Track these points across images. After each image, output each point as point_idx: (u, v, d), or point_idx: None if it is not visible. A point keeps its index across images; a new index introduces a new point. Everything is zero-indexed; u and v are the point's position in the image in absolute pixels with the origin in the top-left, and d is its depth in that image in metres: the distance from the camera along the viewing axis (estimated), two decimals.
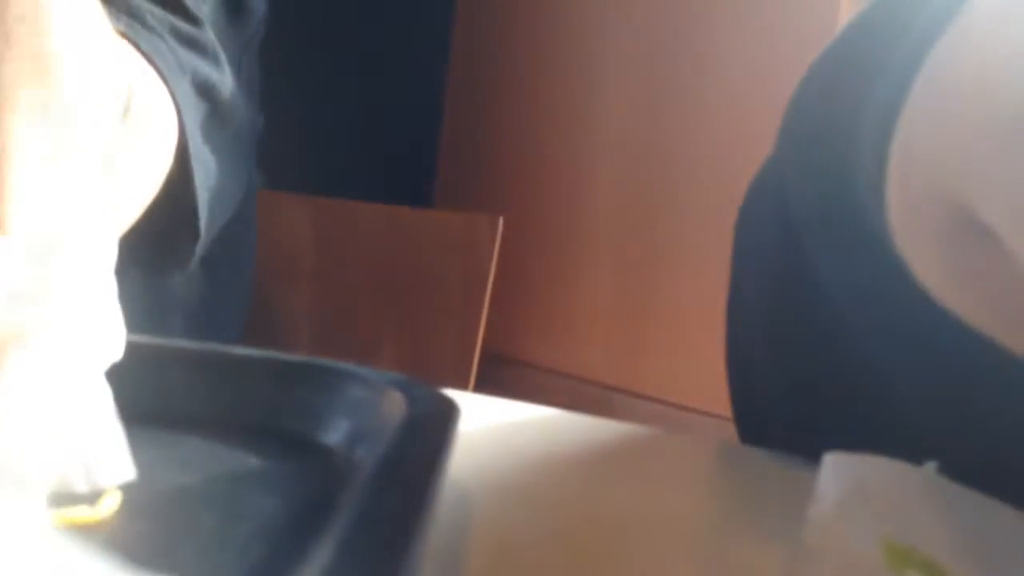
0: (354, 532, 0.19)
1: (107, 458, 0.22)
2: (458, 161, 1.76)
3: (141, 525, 0.23)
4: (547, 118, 1.60)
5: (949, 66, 0.26)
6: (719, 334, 0.45)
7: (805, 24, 1.24)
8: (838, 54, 0.36)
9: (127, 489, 0.24)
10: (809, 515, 0.23)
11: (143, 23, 0.51)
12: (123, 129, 0.45)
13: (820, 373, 0.39)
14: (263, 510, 0.26)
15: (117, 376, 0.25)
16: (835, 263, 0.35)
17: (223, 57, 0.55)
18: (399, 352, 1.06)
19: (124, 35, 0.50)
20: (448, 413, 0.28)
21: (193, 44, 0.53)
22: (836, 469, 0.24)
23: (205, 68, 0.54)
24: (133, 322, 0.26)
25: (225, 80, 0.55)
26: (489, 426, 0.40)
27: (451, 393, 0.30)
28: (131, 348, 0.25)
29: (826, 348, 0.38)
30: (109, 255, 0.23)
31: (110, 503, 0.23)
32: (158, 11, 0.52)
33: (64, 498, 0.21)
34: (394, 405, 0.29)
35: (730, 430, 0.46)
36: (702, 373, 1.22)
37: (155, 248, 0.55)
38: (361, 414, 0.30)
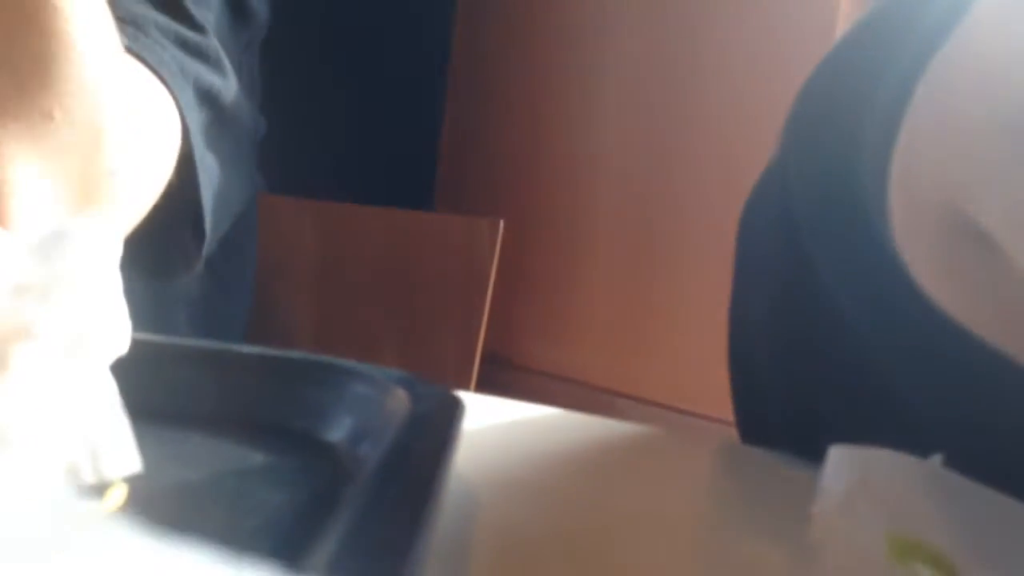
0: (360, 524, 0.19)
1: (113, 450, 0.22)
2: (459, 164, 1.76)
3: (146, 519, 0.23)
4: (548, 122, 1.60)
5: (951, 73, 0.26)
6: (721, 338, 0.45)
7: (804, 29, 1.25)
8: (841, 59, 0.36)
9: (132, 483, 0.24)
10: (814, 508, 0.23)
11: (146, 33, 0.52)
12: (126, 131, 0.45)
13: (822, 375, 0.39)
14: (268, 505, 0.26)
15: (123, 373, 0.25)
16: (837, 265, 0.35)
17: (227, 64, 0.56)
18: (400, 355, 1.06)
19: (128, 48, 0.50)
20: (453, 409, 0.28)
21: (196, 52, 0.54)
22: (841, 462, 0.24)
23: (208, 75, 0.54)
24: (136, 318, 0.26)
25: (228, 86, 0.56)
26: (492, 425, 0.40)
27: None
28: (138, 345, 0.25)
29: (828, 351, 0.38)
30: (114, 250, 0.23)
31: (116, 496, 0.23)
32: (163, 19, 0.53)
33: (70, 490, 0.21)
34: (399, 402, 0.29)
35: (732, 434, 0.46)
36: (703, 377, 1.22)
37: (160, 253, 0.55)
38: (366, 411, 0.30)
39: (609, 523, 0.32)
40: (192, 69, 0.53)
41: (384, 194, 1.33)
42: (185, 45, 0.53)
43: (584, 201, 1.54)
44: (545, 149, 1.60)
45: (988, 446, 0.32)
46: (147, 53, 0.51)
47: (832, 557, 0.22)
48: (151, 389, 0.28)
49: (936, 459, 0.24)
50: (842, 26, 1.19)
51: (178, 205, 0.52)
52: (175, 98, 0.51)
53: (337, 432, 0.30)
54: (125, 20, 0.51)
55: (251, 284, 0.81)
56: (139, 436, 0.24)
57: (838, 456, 0.24)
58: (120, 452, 0.22)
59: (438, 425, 0.26)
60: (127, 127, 0.45)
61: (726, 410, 0.47)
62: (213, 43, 0.55)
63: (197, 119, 0.53)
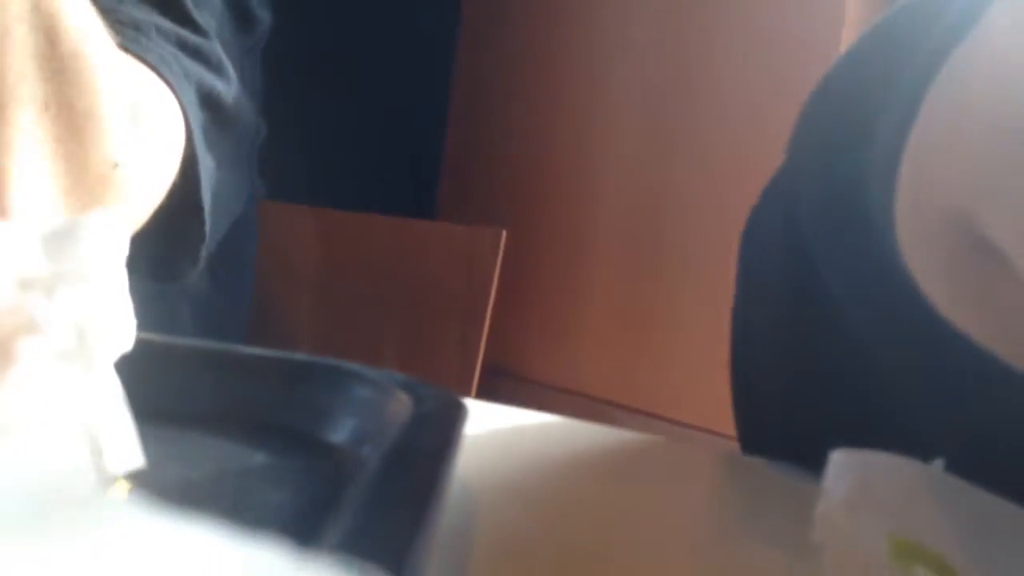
0: (361, 523, 0.19)
1: (116, 446, 0.22)
2: (462, 173, 1.76)
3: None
4: (551, 132, 1.61)
5: (960, 84, 0.26)
6: (723, 351, 0.45)
7: (809, 41, 1.25)
8: (850, 68, 0.36)
9: (134, 481, 0.24)
10: (816, 512, 0.23)
11: (147, 35, 0.52)
12: (128, 123, 0.45)
13: (824, 385, 0.39)
14: (269, 505, 0.26)
15: (127, 371, 0.25)
16: (841, 274, 0.35)
17: (229, 67, 0.56)
18: (401, 363, 1.06)
19: (128, 47, 0.50)
20: (455, 411, 0.28)
21: (198, 55, 0.54)
22: (843, 466, 0.24)
23: (209, 78, 0.54)
24: (141, 316, 0.26)
25: (229, 90, 0.56)
26: (493, 431, 0.40)
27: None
28: (142, 344, 0.26)
29: (831, 360, 0.38)
30: (121, 246, 0.23)
31: (117, 494, 0.23)
32: (166, 24, 0.53)
33: (72, 486, 0.21)
34: (401, 404, 0.29)
35: (732, 448, 0.46)
36: (704, 390, 1.22)
37: (160, 253, 0.55)
38: (368, 413, 0.30)
39: (609, 530, 0.32)
40: (194, 71, 0.54)
41: (387, 202, 1.33)
42: (186, 48, 0.54)
43: (586, 212, 1.54)
44: (548, 160, 1.61)
45: (992, 457, 0.32)
46: (149, 54, 0.51)
47: (833, 559, 0.22)
48: (154, 388, 0.28)
49: (938, 463, 0.24)
50: (848, 30, 1.19)
51: (179, 205, 0.53)
52: (178, 98, 0.52)
53: (339, 433, 0.30)
54: (125, 23, 0.52)
55: (250, 286, 0.81)
56: (141, 435, 0.24)
57: (840, 460, 0.24)
58: (123, 448, 0.22)
59: (440, 426, 0.26)
60: (129, 119, 0.45)
61: (727, 424, 0.47)
62: (215, 47, 0.55)
63: (199, 121, 0.54)
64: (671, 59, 1.44)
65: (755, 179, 0.44)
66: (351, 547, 0.18)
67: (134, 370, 0.25)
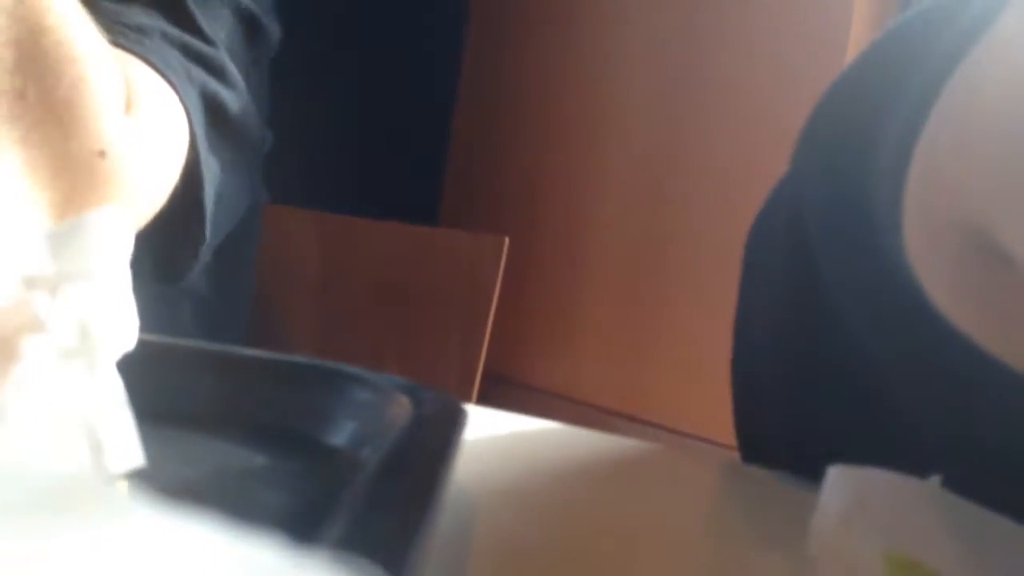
0: (357, 522, 0.19)
1: (116, 445, 0.22)
2: (465, 180, 1.77)
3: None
4: (554, 141, 1.61)
5: (973, 88, 0.26)
6: (724, 360, 0.45)
7: (815, 50, 1.25)
8: (858, 75, 0.36)
9: (133, 480, 0.24)
10: (812, 527, 0.23)
11: (151, 39, 0.52)
12: (113, 112, 0.45)
13: (826, 393, 0.39)
14: (267, 506, 0.26)
15: (128, 372, 0.25)
16: (847, 282, 0.35)
17: (236, 77, 0.57)
18: (401, 369, 1.06)
19: (133, 50, 0.51)
20: (455, 415, 0.28)
21: (203, 61, 0.54)
22: (840, 481, 0.24)
23: (213, 84, 0.55)
24: (143, 316, 0.26)
25: (235, 98, 0.56)
26: (493, 436, 0.40)
27: None
28: (143, 345, 0.26)
29: (834, 368, 0.38)
30: (125, 245, 0.23)
31: (118, 491, 0.23)
32: (172, 30, 0.54)
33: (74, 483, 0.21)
34: (401, 407, 0.29)
35: (733, 458, 0.46)
36: (705, 400, 1.22)
37: (159, 254, 0.55)
38: (368, 416, 0.30)
39: (608, 537, 0.32)
40: (198, 75, 0.54)
41: (389, 207, 1.34)
42: (191, 54, 0.54)
43: (589, 221, 1.54)
44: (551, 168, 1.61)
45: (994, 461, 0.32)
46: (152, 55, 0.51)
47: (828, 574, 0.22)
48: (156, 388, 0.28)
49: (935, 479, 0.24)
50: (854, 38, 1.19)
51: (181, 205, 0.53)
52: (181, 98, 0.52)
53: (339, 436, 0.30)
54: (130, 27, 0.52)
55: (250, 288, 0.82)
56: (142, 434, 0.24)
57: (836, 475, 0.24)
58: (123, 447, 0.22)
59: (439, 430, 0.27)
60: (117, 110, 0.45)
61: (727, 434, 0.47)
62: (221, 56, 0.56)
63: (202, 122, 0.54)
64: (677, 68, 1.44)
65: (758, 188, 0.44)
66: (347, 547, 0.18)
67: (136, 370, 0.25)
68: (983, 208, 0.24)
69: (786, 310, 0.40)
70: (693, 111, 1.41)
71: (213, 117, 0.55)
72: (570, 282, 1.55)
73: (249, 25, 0.60)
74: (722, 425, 0.47)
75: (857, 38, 1.21)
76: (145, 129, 0.47)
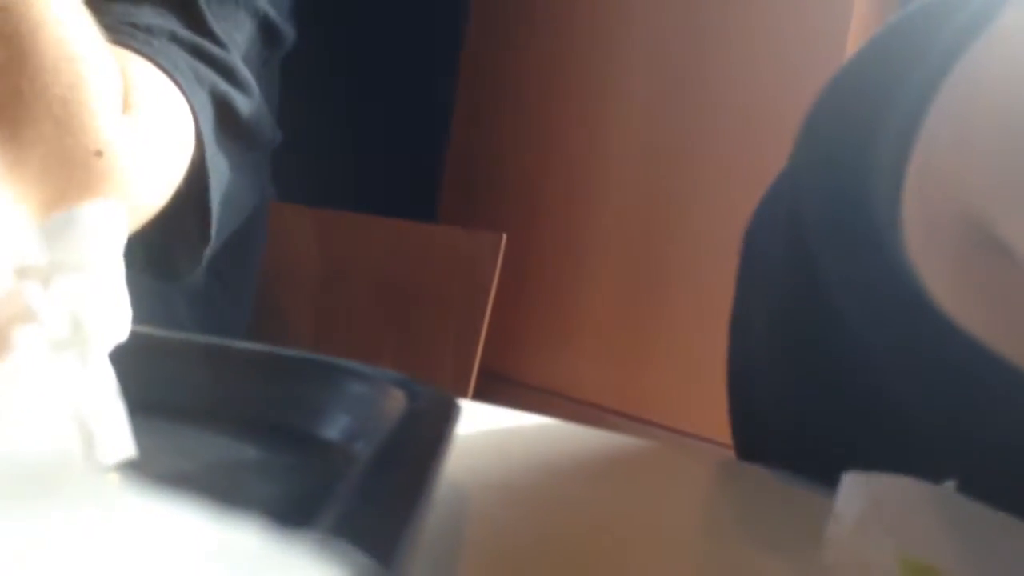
0: (346, 512, 0.19)
1: (108, 436, 0.22)
2: (463, 177, 1.77)
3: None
4: (553, 137, 1.61)
5: (973, 84, 0.26)
6: (721, 358, 0.45)
7: (815, 51, 1.25)
8: (858, 69, 0.36)
9: (125, 472, 0.24)
10: (827, 532, 0.23)
11: (159, 39, 0.52)
12: (126, 124, 0.45)
13: (823, 388, 0.39)
14: (259, 499, 0.26)
15: (121, 364, 0.25)
16: (846, 276, 0.35)
17: (249, 79, 0.57)
18: (398, 366, 1.06)
19: (141, 51, 0.51)
20: (448, 409, 0.28)
21: (213, 62, 0.54)
22: (855, 487, 0.24)
23: (223, 85, 0.55)
24: (138, 309, 0.26)
25: (248, 102, 0.56)
26: (488, 431, 0.40)
27: None
28: (137, 337, 0.26)
29: (831, 363, 0.38)
30: (119, 237, 0.23)
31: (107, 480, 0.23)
32: (182, 31, 0.54)
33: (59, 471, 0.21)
34: (395, 402, 0.29)
35: (728, 456, 0.46)
36: (702, 398, 1.22)
37: (164, 251, 0.55)
38: (362, 410, 0.30)
39: (601, 533, 0.32)
40: (207, 76, 0.54)
41: (387, 204, 1.34)
42: (202, 55, 0.54)
43: (587, 218, 1.54)
44: (549, 165, 1.61)
45: (1001, 464, 0.32)
46: (160, 56, 0.51)
47: None
48: (148, 381, 0.28)
49: (950, 485, 0.24)
50: (854, 35, 1.19)
51: (185, 204, 0.53)
52: (187, 99, 0.52)
53: (333, 430, 0.30)
54: (140, 28, 0.52)
55: (253, 288, 0.82)
56: (134, 426, 0.24)
57: (852, 481, 0.24)
58: (115, 439, 0.22)
59: (432, 423, 0.27)
60: (112, 108, 0.45)
61: (724, 432, 0.47)
62: (233, 59, 0.56)
63: (210, 122, 0.54)
64: (677, 68, 1.44)
65: (758, 187, 0.44)
66: (334, 536, 0.18)
67: (129, 362, 0.25)
68: (982, 202, 0.24)
69: (785, 303, 0.40)
70: (692, 111, 1.41)
71: (222, 118, 0.55)
72: (568, 280, 1.55)
73: (267, 30, 0.60)
74: (721, 425, 0.47)
75: (856, 38, 1.21)
76: (144, 129, 0.47)
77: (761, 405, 0.43)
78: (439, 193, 1.79)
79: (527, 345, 1.59)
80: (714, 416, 0.56)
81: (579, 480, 0.37)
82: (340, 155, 1.70)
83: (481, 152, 1.74)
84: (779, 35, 1.31)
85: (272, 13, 0.60)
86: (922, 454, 0.35)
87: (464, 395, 1.01)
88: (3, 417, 0.20)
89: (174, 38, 0.53)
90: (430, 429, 0.26)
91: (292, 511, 0.25)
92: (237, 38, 0.57)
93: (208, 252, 0.56)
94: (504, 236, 1.04)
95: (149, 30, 0.52)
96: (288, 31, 0.63)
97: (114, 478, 0.23)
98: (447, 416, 0.27)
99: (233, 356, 0.33)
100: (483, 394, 1.02)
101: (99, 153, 0.43)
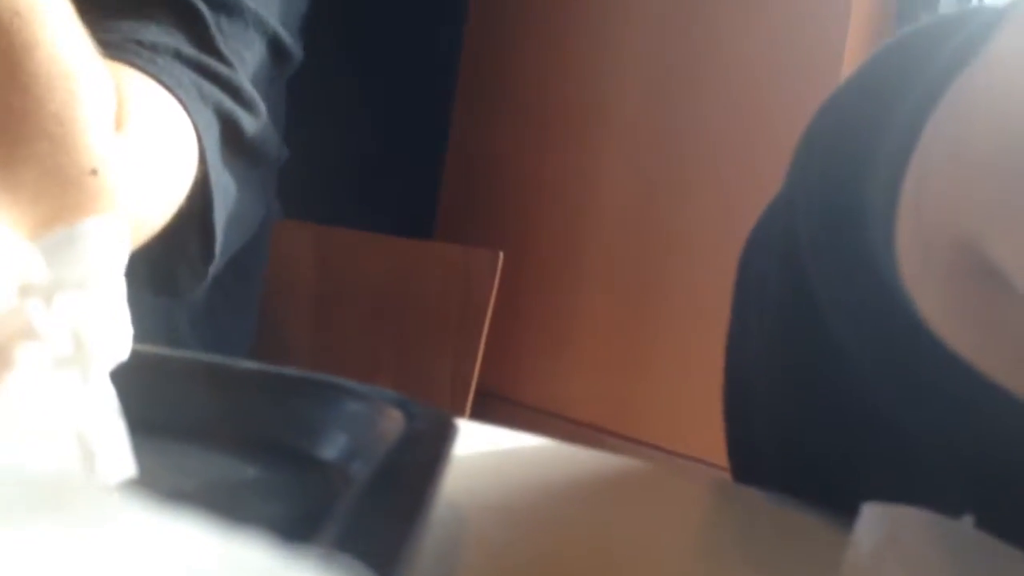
0: (345, 532, 0.19)
1: (109, 454, 0.22)
2: (460, 195, 1.77)
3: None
4: (549, 156, 1.61)
5: (965, 107, 0.26)
6: (717, 379, 0.45)
7: (812, 57, 1.26)
8: (854, 90, 0.36)
9: (125, 490, 0.24)
10: (844, 563, 0.23)
11: (164, 57, 0.52)
12: (121, 142, 0.45)
13: (819, 412, 0.39)
14: (258, 518, 0.26)
15: (122, 382, 0.25)
16: (840, 300, 0.36)
17: (256, 98, 0.57)
18: (395, 384, 1.06)
19: (144, 68, 0.51)
20: (446, 429, 0.28)
21: (218, 80, 0.55)
22: (872, 519, 0.24)
23: (228, 103, 0.55)
24: (139, 327, 0.26)
25: (254, 121, 0.57)
26: (484, 452, 0.40)
27: None
28: (137, 356, 0.26)
29: (827, 386, 0.38)
30: (121, 256, 0.24)
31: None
32: (188, 49, 0.54)
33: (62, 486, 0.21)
34: (393, 421, 0.29)
35: (725, 478, 0.46)
36: (698, 419, 1.22)
37: (167, 268, 0.55)
38: (359, 429, 0.30)
39: (597, 554, 0.32)
40: (212, 94, 0.54)
41: (385, 221, 1.34)
42: (207, 74, 0.54)
43: (584, 237, 1.54)
44: (547, 183, 1.61)
45: (994, 490, 0.32)
46: (163, 74, 0.51)
47: None
48: (148, 399, 0.28)
49: (967, 519, 0.24)
50: (851, 43, 1.19)
51: (189, 222, 0.53)
52: (191, 117, 0.52)
53: (330, 449, 0.30)
54: (145, 45, 0.52)
55: (255, 305, 0.82)
56: (134, 445, 0.24)
57: (869, 513, 0.24)
58: (115, 457, 0.22)
59: (430, 443, 0.27)
60: (105, 125, 0.45)
61: (720, 455, 0.47)
62: (238, 76, 0.56)
63: (214, 140, 0.54)
64: (671, 84, 1.45)
65: (755, 207, 0.44)
66: (338, 550, 0.18)
67: (129, 380, 0.25)
68: (975, 224, 0.24)
69: (782, 324, 0.40)
70: (692, 127, 1.41)
71: (228, 135, 0.55)
72: (565, 298, 1.56)
73: (276, 48, 0.60)
74: (717, 446, 0.47)
75: (853, 45, 1.22)
76: (142, 147, 0.47)
77: (758, 426, 0.43)
78: (436, 210, 1.79)
79: (524, 364, 1.59)
80: (710, 437, 0.56)
81: (576, 501, 0.37)
82: (337, 172, 1.70)
83: (478, 169, 1.75)
84: (777, 45, 1.31)
85: (282, 32, 0.60)
86: (921, 477, 0.35)
87: (461, 414, 1.01)
88: (4, 434, 0.20)
89: (179, 56, 0.53)
90: (428, 449, 0.26)
91: (290, 530, 0.25)
92: (246, 56, 0.57)
93: (212, 270, 0.56)
94: (501, 253, 1.04)
95: (154, 48, 0.52)
96: (297, 50, 0.63)
97: (116, 495, 0.23)
98: (445, 436, 0.27)
99: (232, 375, 0.33)
100: (480, 414, 1.02)
101: (94, 172, 0.43)
